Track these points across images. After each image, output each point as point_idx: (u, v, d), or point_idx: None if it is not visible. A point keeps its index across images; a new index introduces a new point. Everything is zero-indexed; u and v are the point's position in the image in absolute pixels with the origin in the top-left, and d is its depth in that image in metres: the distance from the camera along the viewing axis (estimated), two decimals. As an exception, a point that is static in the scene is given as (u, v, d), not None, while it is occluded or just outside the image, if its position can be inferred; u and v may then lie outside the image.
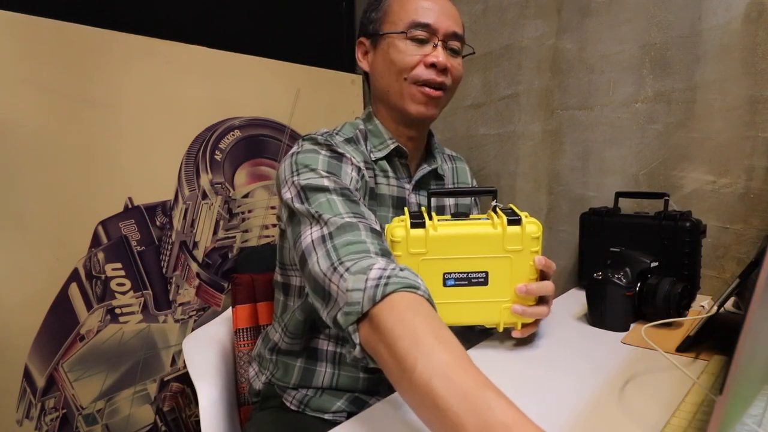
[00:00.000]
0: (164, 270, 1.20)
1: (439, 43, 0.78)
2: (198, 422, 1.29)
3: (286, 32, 1.44)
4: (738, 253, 1.04)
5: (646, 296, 0.85)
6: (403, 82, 0.78)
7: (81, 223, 1.06)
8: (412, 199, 0.86)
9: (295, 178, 0.69)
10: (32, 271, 1.00)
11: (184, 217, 1.22)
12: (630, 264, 0.87)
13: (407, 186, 0.85)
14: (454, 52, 0.81)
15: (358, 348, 0.52)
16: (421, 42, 0.78)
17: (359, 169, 0.75)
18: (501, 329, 0.73)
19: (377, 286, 0.51)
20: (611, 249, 0.91)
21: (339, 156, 0.74)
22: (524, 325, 0.75)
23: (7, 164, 0.95)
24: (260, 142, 1.37)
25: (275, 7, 1.42)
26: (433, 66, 0.77)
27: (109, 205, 1.10)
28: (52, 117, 1.00)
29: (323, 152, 0.73)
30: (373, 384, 0.86)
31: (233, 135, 1.31)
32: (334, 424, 0.82)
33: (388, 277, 0.52)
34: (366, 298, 0.51)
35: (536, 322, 0.76)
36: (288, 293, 0.85)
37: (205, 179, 1.26)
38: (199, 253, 1.25)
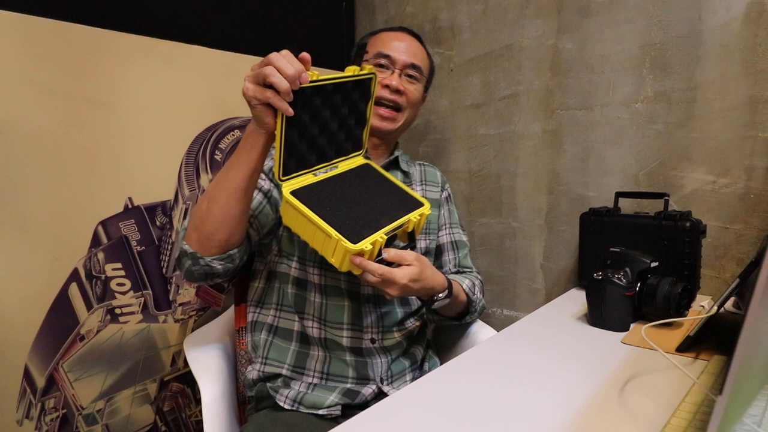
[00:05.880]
0: (164, 270, 1.20)
1: (397, 71, 0.97)
2: (198, 422, 1.29)
3: (286, 32, 1.43)
4: (738, 253, 1.04)
5: (646, 296, 0.86)
6: None
7: (81, 223, 1.06)
8: None
9: None
10: (32, 271, 0.99)
11: (184, 217, 1.22)
12: (630, 264, 0.87)
13: None
14: (413, 78, 1.00)
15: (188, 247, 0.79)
16: (384, 68, 0.98)
17: None
18: (343, 269, 0.72)
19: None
20: (611, 249, 0.91)
21: None
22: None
23: (7, 164, 0.95)
24: (260, 142, 1.37)
25: (275, 7, 1.42)
26: (388, 87, 0.96)
27: (109, 205, 1.10)
28: (52, 117, 1.00)
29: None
30: (362, 370, 0.88)
31: (233, 135, 1.31)
32: (329, 419, 0.84)
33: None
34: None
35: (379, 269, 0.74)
36: (271, 279, 0.96)
37: (205, 179, 1.26)
38: (199, 253, 1.25)
